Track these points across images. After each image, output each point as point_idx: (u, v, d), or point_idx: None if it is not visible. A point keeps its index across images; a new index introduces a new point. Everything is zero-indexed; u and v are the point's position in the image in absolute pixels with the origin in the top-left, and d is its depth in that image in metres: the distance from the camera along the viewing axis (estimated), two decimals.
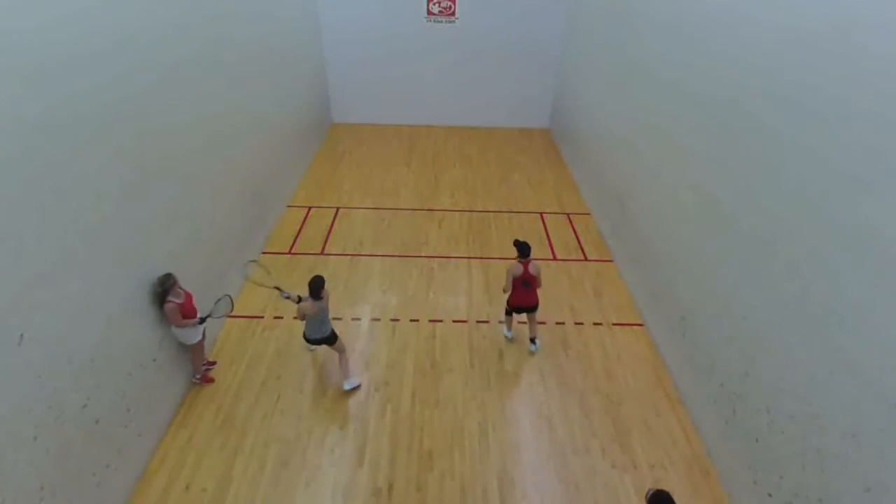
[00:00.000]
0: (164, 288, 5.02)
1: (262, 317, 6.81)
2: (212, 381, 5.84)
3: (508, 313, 6.48)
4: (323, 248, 8.29)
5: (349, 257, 8.10)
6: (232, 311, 5.68)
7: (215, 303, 5.50)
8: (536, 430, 5.50)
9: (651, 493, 3.55)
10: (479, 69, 12.56)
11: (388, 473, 5.02)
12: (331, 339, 5.63)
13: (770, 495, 4.32)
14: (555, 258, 8.29)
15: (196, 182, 5.92)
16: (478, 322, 6.92)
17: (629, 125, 8.00)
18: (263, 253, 8.03)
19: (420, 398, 5.80)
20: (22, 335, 3.46)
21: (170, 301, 5.05)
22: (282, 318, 6.82)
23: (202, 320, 5.33)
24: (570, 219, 9.44)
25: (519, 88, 12.89)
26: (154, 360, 5.05)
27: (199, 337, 5.47)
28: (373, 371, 6.11)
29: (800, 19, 4.29)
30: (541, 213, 9.57)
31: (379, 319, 6.91)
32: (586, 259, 8.31)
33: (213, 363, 6.03)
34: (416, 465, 5.10)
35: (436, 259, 8.17)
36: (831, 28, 3.93)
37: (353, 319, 6.88)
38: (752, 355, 4.69)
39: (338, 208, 9.45)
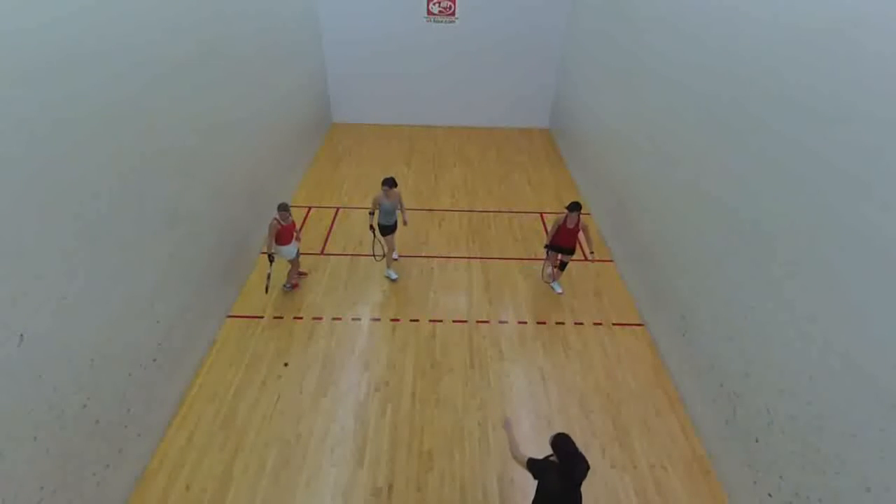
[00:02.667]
0: (277, 208, 6.63)
1: (262, 317, 6.81)
2: (297, 286, 7.42)
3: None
4: (323, 248, 8.29)
5: (349, 257, 8.10)
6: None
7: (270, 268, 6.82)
8: (536, 430, 5.50)
9: (553, 436, 3.63)
10: (479, 69, 12.56)
11: (388, 473, 5.02)
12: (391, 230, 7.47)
13: (770, 495, 4.33)
14: None
15: (196, 182, 5.92)
16: (478, 322, 6.92)
17: (629, 125, 8.00)
18: (263, 253, 8.02)
19: (420, 398, 5.80)
20: (22, 335, 3.46)
21: (274, 218, 6.57)
22: (282, 317, 6.82)
23: (270, 257, 6.71)
24: None
25: (519, 88, 12.89)
26: (154, 360, 5.06)
27: (291, 257, 7.04)
28: (373, 371, 6.11)
29: (801, 18, 4.29)
30: (541, 213, 9.57)
31: (379, 319, 6.91)
32: (586, 259, 8.29)
33: (305, 274, 7.68)
34: (416, 465, 5.10)
35: (436, 259, 8.17)
36: (832, 27, 3.94)
37: (353, 319, 6.88)
38: (752, 355, 4.69)
39: (338, 208, 9.45)
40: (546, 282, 7.60)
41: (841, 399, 3.68)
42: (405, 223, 7.36)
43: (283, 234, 6.72)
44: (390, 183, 6.99)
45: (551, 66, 12.58)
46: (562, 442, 3.54)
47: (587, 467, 3.43)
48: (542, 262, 7.68)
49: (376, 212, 7.16)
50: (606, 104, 9.20)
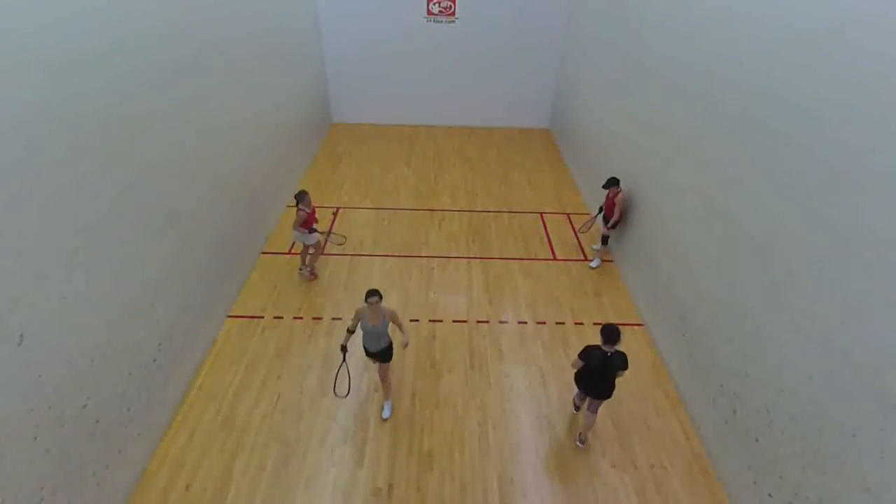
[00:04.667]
0: (297, 199, 6.99)
1: (263, 317, 6.81)
2: (315, 277, 7.61)
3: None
4: (323, 248, 8.28)
5: (349, 257, 8.10)
6: (343, 243, 7.86)
7: (335, 234, 7.81)
8: (536, 430, 5.50)
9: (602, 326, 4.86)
10: (479, 69, 12.56)
11: (388, 473, 5.02)
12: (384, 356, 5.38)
13: (770, 495, 4.33)
14: (555, 258, 8.30)
15: (196, 182, 5.92)
16: (478, 322, 6.92)
17: (629, 125, 8.01)
18: (263, 253, 8.03)
19: (420, 398, 5.80)
20: (22, 335, 3.46)
21: (301, 209, 6.97)
22: (282, 317, 6.82)
23: (313, 230, 7.19)
24: (570, 219, 9.44)
25: (519, 88, 12.90)
26: (154, 360, 5.06)
27: (313, 242, 7.31)
28: (373, 371, 6.10)
29: (799, 19, 4.29)
30: (541, 213, 9.58)
31: None
32: (586, 259, 8.31)
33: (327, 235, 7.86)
34: (416, 465, 5.10)
35: (436, 259, 8.17)
36: (830, 28, 3.94)
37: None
38: (752, 355, 4.69)
39: (338, 208, 9.45)
40: (582, 232, 8.69)
41: (841, 399, 3.68)
42: (405, 345, 5.21)
43: (310, 220, 7.11)
44: (376, 295, 4.93)
45: (551, 66, 12.58)
46: (608, 328, 4.79)
47: (618, 335, 4.75)
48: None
49: (355, 329, 5.19)
50: (606, 104, 9.21)
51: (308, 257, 7.54)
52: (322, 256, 8.09)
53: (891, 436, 3.27)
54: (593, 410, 5.22)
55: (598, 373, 4.91)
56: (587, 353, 4.93)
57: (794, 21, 4.36)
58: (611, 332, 4.78)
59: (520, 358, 6.39)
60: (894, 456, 3.25)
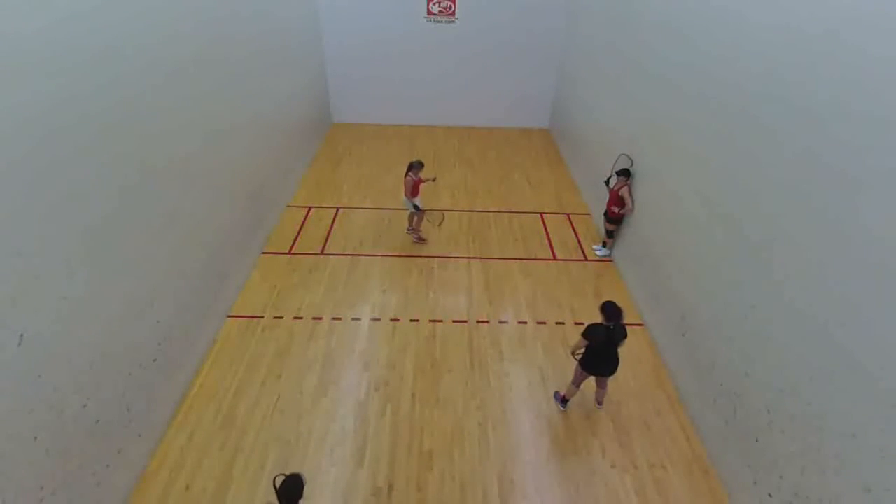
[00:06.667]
0: (411, 165, 7.86)
1: (262, 317, 6.81)
2: (425, 241, 8.52)
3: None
4: (323, 248, 8.29)
5: (349, 257, 8.10)
6: (440, 223, 8.63)
7: (434, 212, 8.49)
8: (536, 431, 5.50)
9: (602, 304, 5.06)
10: (479, 69, 12.57)
11: (388, 473, 5.02)
12: None
13: (770, 495, 4.33)
14: (555, 258, 8.30)
15: (196, 182, 5.92)
16: (478, 322, 6.92)
17: (629, 125, 8.01)
18: (263, 253, 8.03)
19: (420, 398, 5.80)
20: (22, 335, 3.46)
21: (410, 175, 7.80)
22: (281, 317, 6.82)
23: (416, 206, 8.10)
24: (570, 219, 9.44)
25: (519, 88, 12.90)
26: (154, 360, 5.06)
27: (420, 211, 8.16)
28: (373, 371, 6.11)
29: (797, 21, 4.29)
30: (541, 213, 9.57)
31: (379, 319, 6.91)
32: (586, 259, 8.31)
33: (424, 240, 8.60)
34: (416, 465, 5.10)
35: (436, 259, 8.17)
36: (828, 29, 3.94)
37: (353, 319, 6.88)
38: (752, 355, 4.69)
39: (338, 208, 9.45)
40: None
41: (841, 399, 3.68)
42: None
43: (417, 186, 7.93)
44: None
45: (551, 67, 12.58)
46: (609, 305, 4.98)
47: (621, 312, 4.95)
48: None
49: None
50: (606, 105, 9.21)
51: (415, 220, 8.39)
52: (321, 256, 8.10)
53: (891, 436, 3.27)
54: (603, 386, 5.55)
55: (607, 348, 5.10)
56: (592, 331, 5.04)
57: (793, 21, 4.35)
58: (614, 310, 4.94)
59: (520, 358, 6.39)
60: (894, 456, 3.25)
